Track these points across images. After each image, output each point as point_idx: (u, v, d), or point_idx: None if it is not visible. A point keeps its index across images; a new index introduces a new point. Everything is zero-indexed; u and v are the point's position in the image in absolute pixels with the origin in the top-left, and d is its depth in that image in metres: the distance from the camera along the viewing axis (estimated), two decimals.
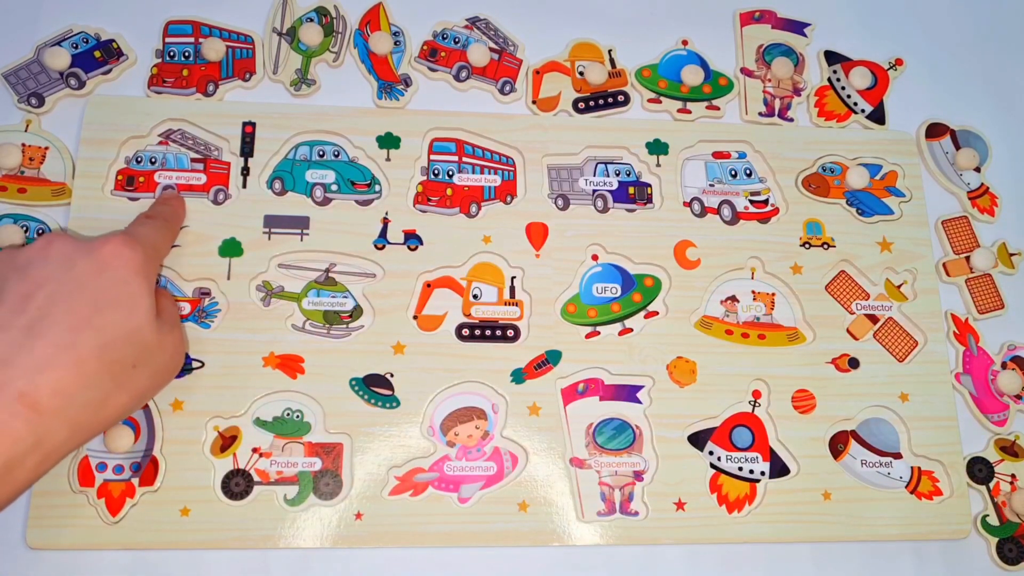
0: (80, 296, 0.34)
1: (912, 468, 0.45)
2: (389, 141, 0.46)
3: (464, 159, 0.46)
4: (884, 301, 0.47)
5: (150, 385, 0.37)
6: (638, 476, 0.43)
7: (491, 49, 0.49)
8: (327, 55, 0.48)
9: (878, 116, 0.51)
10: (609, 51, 0.50)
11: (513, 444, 0.42)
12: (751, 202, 0.48)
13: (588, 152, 0.48)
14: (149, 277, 0.37)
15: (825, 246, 0.48)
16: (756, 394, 0.45)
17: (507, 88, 0.48)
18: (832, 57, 0.52)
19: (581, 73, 0.49)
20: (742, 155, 0.49)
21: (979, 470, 0.45)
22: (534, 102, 0.48)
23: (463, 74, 0.48)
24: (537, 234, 0.46)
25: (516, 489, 0.42)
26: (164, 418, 0.41)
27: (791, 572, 0.43)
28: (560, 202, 0.47)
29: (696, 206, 0.48)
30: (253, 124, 0.46)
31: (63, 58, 0.45)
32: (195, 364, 0.42)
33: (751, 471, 0.43)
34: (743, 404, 0.44)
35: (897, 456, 0.45)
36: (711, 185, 0.48)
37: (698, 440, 0.44)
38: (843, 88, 0.51)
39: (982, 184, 0.51)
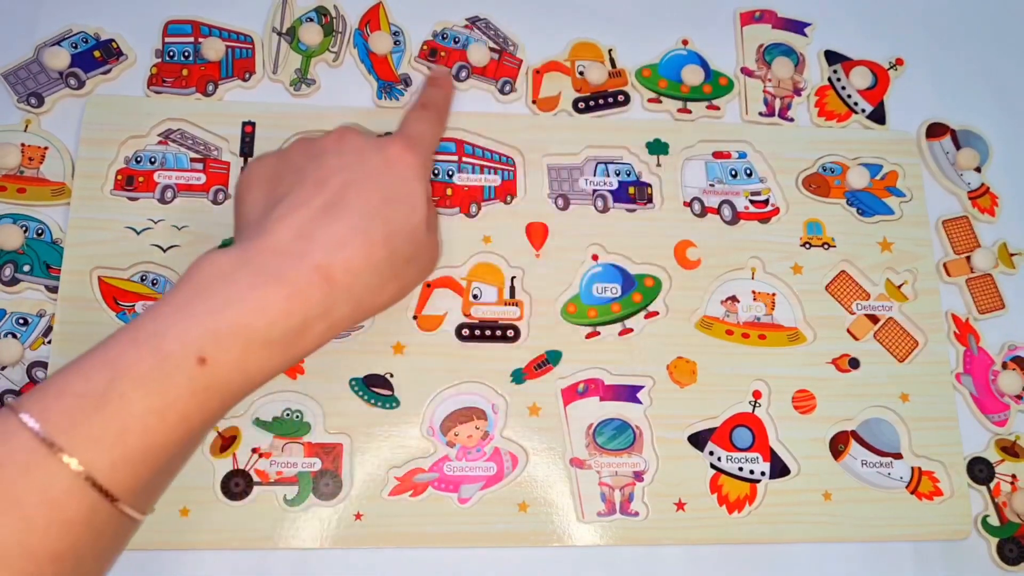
0: (371, 187, 0.36)
1: (912, 468, 0.44)
2: None
3: (464, 159, 0.46)
4: (884, 301, 0.47)
5: (414, 280, 0.40)
6: (638, 476, 0.43)
7: (491, 49, 0.49)
8: (327, 55, 0.48)
9: (878, 116, 0.51)
10: (609, 51, 0.50)
11: (513, 444, 0.42)
12: (751, 202, 0.48)
13: (588, 152, 0.48)
14: (426, 181, 0.39)
15: (825, 246, 0.48)
16: (756, 394, 0.45)
17: (507, 88, 0.48)
18: (832, 57, 0.52)
19: (581, 73, 0.49)
20: (742, 155, 0.49)
21: (980, 470, 0.45)
22: (534, 102, 0.48)
23: (463, 74, 0.48)
24: (537, 234, 0.46)
25: (516, 489, 0.42)
26: None
27: (791, 572, 0.43)
28: (560, 202, 0.47)
29: (696, 206, 0.47)
30: (253, 124, 0.46)
31: (62, 58, 0.45)
32: None
33: (751, 471, 0.43)
34: (743, 404, 0.44)
35: (897, 456, 0.45)
36: (711, 185, 0.48)
37: (698, 440, 0.44)
38: (843, 88, 0.51)
39: (982, 184, 0.51)
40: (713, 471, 0.43)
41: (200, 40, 0.47)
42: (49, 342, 0.41)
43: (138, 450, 0.29)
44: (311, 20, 0.48)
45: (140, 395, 0.29)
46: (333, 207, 0.35)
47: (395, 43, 0.48)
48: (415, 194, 0.37)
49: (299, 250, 0.33)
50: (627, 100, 0.49)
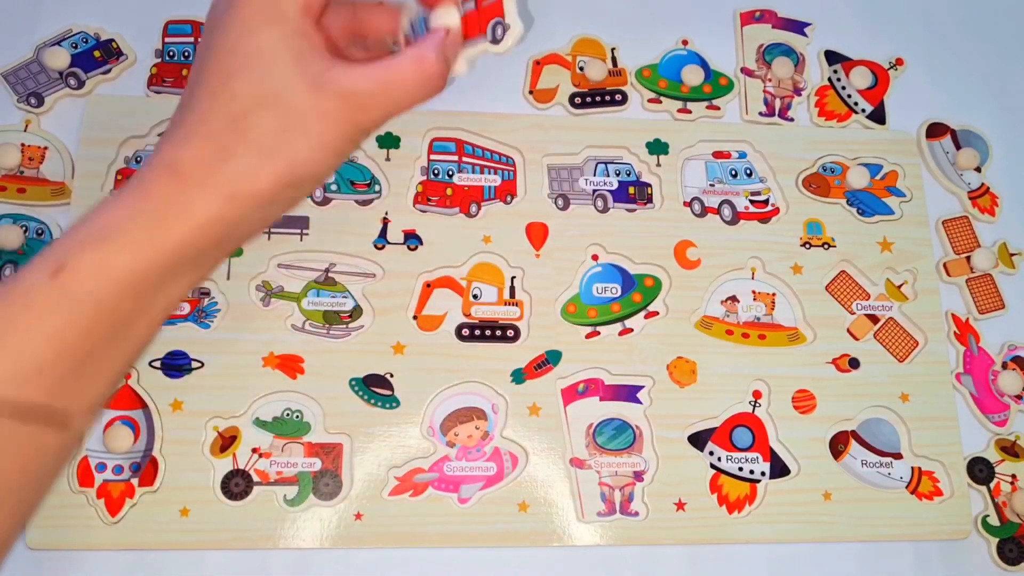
0: (215, 62, 0.32)
1: (912, 468, 0.44)
2: (389, 141, 0.46)
3: (464, 159, 0.46)
4: (884, 301, 0.47)
5: (309, 156, 0.32)
6: (638, 476, 0.43)
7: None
8: None
9: (878, 116, 0.51)
10: (612, 50, 0.50)
11: (513, 444, 0.42)
12: (751, 202, 0.48)
13: (588, 152, 0.48)
14: (283, 26, 0.32)
15: (825, 246, 0.48)
16: (756, 394, 0.45)
17: (499, 31, 0.42)
18: (832, 57, 0.52)
19: (581, 68, 0.49)
20: (742, 155, 0.49)
21: (980, 470, 0.45)
22: (531, 92, 0.48)
23: None
24: (537, 234, 0.46)
25: (516, 489, 0.42)
26: (163, 418, 0.41)
27: (791, 572, 0.43)
28: (560, 202, 0.47)
29: (696, 206, 0.47)
30: None
31: (63, 58, 0.45)
32: (195, 364, 0.42)
33: (751, 471, 0.43)
34: (743, 404, 0.44)
35: (897, 456, 0.45)
36: (711, 185, 0.48)
37: (698, 440, 0.44)
38: (843, 88, 0.51)
39: (982, 184, 0.51)
40: (713, 471, 0.43)
41: (200, 40, 0.47)
42: None
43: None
44: None
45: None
46: (185, 98, 0.32)
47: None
48: (266, 50, 0.32)
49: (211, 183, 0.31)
50: (624, 99, 0.49)
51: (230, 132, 0.32)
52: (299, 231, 0.44)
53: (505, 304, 0.44)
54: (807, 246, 0.48)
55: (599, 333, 0.45)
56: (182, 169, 0.31)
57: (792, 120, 0.50)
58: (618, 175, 0.47)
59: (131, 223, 0.30)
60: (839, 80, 0.51)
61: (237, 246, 0.33)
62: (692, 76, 0.50)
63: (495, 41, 0.38)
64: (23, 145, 0.44)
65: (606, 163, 0.48)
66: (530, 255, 0.45)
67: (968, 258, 0.49)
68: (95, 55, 0.46)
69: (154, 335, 0.33)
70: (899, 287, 0.48)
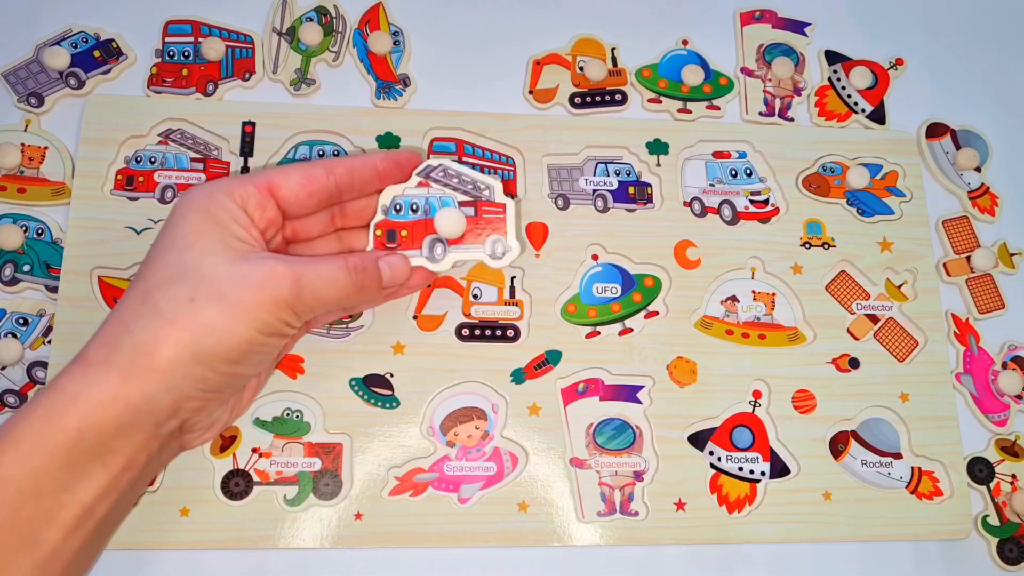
0: (148, 254, 0.34)
1: (912, 468, 0.44)
2: (389, 141, 0.46)
3: (464, 159, 0.46)
4: (884, 301, 0.47)
5: (220, 324, 0.32)
6: (638, 476, 0.43)
7: None
8: (327, 55, 0.48)
9: (878, 116, 0.51)
10: (612, 49, 0.50)
11: (513, 444, 0.42)
12: (751, 202, 0.48)
13: (588, 152, 0.48)
14: (211, 210, 0.33)
15: (825, 246, 0.48)
16: (756, 394, 0.45)
17: (499, 249, 0.40)
18: (832, 57, 0.52)
19: (581, 68, 0.49)
20: (742, 155, 0.49)
21: (979, 470, 0.45)
22: (531, 92, 0.48)
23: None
24: (537, 234, 0.46)
25: (516, 489, 0.42)
26: None
27: (791, 572, 0.43)
28: (560, 202, 0.47)
29: (696, 206, 0.47)
30: (253, 124, 0.46)
31: (62, 58, 0.45)
32: None
33: (751, 471, 0.43)
34: (743, 404, 0.44)
35: (897, 456, 0.45)
36: (711, 185, 0.48)
37: (698, 440, 0.44)
38: (843, 88, 0.51)
39: (982, 184, 0.51)
40: (713, 471, 0.43)
41: (200, 40, 0.47)
42: (49, 342, 0.41)
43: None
44: (311, 20, 0.48)
45: None
46: (141, 318, 0.32)
47: (394, 43, 0.48)
48: (186, 234, 0.33)
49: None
50: (624, 99, 0.49)
51: (138, 306, 0.31)
52: None
53: (505, 304, 0.44)
54: (807, 246, 0.48)
55: (599, 333, 0.45)
56: (88, 355, 0.31)
57: (792, 120, 0.50)
58: (618, 175, 0.47)
59: (28, 416, 0.30)
60: (839, 80, 0.51)
61: (150, 439, 0.32)
62: (692, 76, 0.50)
63: (494, 257, 0.40)
64: (23, 145, 0.44)
65: (606, 163, 0.48)
66: (530, 255, 0.45)
67: (968, 258, 0.49)
68: (95, 55, 0.46)
69: (81, 551, 0.31)
70: (899, 287, 0.48)
